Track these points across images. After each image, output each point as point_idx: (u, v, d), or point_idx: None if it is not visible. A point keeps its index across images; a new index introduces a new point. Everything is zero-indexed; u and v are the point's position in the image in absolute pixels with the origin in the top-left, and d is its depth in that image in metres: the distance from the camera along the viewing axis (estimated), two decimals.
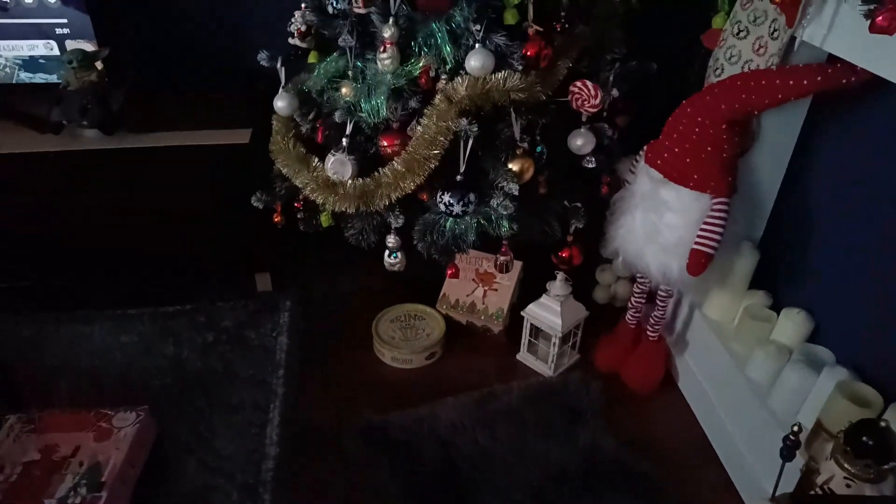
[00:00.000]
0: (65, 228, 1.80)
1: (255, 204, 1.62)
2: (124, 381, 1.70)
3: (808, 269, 1.48)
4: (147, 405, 1.46)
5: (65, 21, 1.72)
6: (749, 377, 1.43)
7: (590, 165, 1.50)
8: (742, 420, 1.45)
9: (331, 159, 1.41)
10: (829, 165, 1.42)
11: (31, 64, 1.78)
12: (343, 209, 1.43)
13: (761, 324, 1.47)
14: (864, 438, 0.91)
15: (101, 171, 1.73)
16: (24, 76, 1.79)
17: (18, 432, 1.36)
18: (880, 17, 0.88)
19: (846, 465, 0.92)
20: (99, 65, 1.72)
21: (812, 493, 0.96)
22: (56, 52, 1.76)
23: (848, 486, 0.93)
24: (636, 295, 1.66)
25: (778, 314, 1.46)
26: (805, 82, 1.21)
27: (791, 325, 1.42)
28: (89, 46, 1.74)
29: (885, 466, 0.91)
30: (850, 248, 1.36)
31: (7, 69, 1.78)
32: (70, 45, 1.74)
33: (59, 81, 1.72)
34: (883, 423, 0.92)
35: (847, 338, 1.35)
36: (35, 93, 1.78)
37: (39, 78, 1.79)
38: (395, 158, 1.37)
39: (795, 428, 0.97)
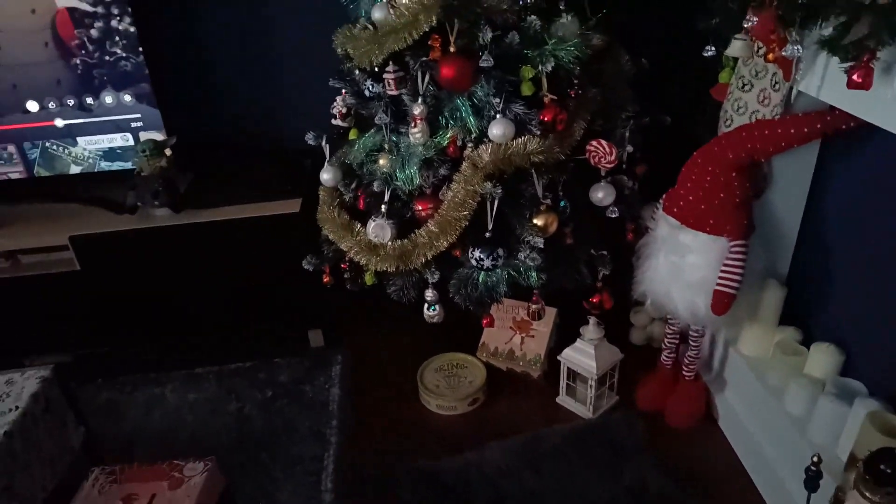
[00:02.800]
0: (141, 297, 2.01)
1: (305, 266, 1.77)
2: (194, 437, 1.84)
3: (835, 302, 1.51)
4: (214, 456, 1.59)
5: (138, 116, 1.97)
6: (787, 410, 1.46)
7: (613, 215, 1.59)
8: (782, 452, 1.47)
9: (372, 224, 1.55)
10: (846, 201, 1.47)
11: (109, 154, 2.02)
12: (385, 268, 1.56)
13: (793, 358, 1.50)
14: (882, 466, 0.95)
15: (171, 245, 1.93)
16: (104, 165, 2.04)
17: (103, 483, 1.50)
18: (855, 75, 0.97)
19: (867, 494, 0.96)
20: (168, 151, 1.95)
21: None
22: (131, 142, 2.00)
23: None
24: (669, 336, 1.72)
25: (809, 349, 1.50)
26: (805, 130, 1.28)
27: (822, 358, 1.45)
28: (160, 136, 1.97)
29: None
30: (874, 281, 1.39)
31: (90, 160, 2.03)
32: (143, 135, 1.98)
33: (134, 168, 1.95)
34: None
35: (878, 369, 1.38)
36: (113, 179, 2.02)
37: (117, 166, 2.03)
38: (430, 221, 1.50)
39: (815, 458, 1.01)
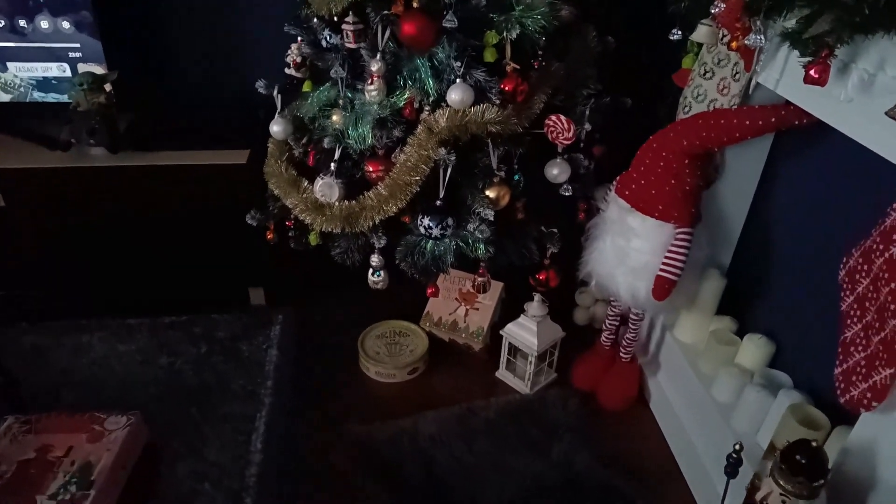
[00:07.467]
0: (69, 240, 1.90)
1: (249, 221, 1.70)
2: (121, 390, 1.77)
3: (771, 296, 1.55)
4: (139, 411, 1.53)
5: (78, 45, 1.83)
6: (714, 397, 1.50)
7: (566, 193, 1.58)
8: (707, 439, 1.52)
9: (319, 182, 1.50)
10: (791, 198, 1.50)
11: (44, 84, 1.88)
12: (330, 229, 1.51)
13: (726, 348, 1.54)
14: (798, 457, 0.98)
15: (105, 188, 1.82)
16: (37, 95, 1.89)
17: (16, 433, 1.43)
18: (813, 70, 0.96)
19: (781, 482, 0.99)
20: (108, 87, 1.82)
21: None
22: (68, 74, 1.86)
23: (783, 501, 1.00)
24: (610, 317, 1.74)
25: (742, 339, 1.53)
26: (760, 123, 1.29)
27: (753, 349, 1.49)
28: (100, 70, 1.84)
29: (816, 484, 0.97)
30: (809, 278, 1.43)
31: (21, 89, 1.88)
32: (82, 67, 1.84)
33: (70, 102, 1.82)
34: (814, 443, 0.99)
35: (804, 363, 1.42)
36: (46, 112, 1.89)
37: (51, 98, 1.89)
38: (380, 183, 1.45)
39: (737, 447, 1.04)
